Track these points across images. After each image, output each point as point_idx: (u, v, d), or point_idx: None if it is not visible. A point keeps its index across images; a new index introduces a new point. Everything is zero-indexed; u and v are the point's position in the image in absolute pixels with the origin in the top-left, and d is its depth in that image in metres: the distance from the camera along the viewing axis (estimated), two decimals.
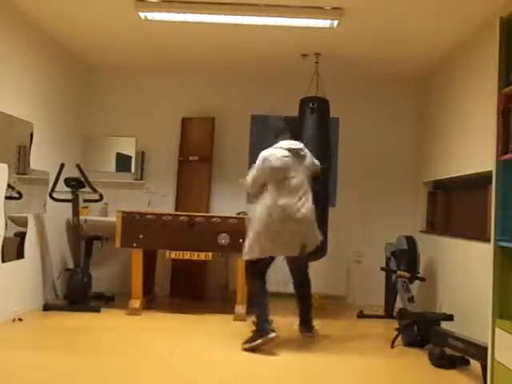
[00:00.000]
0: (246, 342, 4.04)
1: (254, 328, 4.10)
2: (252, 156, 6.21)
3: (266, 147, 4.43)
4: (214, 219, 5.11)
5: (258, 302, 4.20)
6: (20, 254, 4.85)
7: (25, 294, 4.93)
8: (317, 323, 4.81)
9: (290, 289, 6.08)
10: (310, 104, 5.30)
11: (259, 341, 3.98)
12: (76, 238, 5.36)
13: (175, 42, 5.34)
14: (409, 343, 4.23)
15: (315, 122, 5.27)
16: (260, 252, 4.17)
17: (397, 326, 4.52)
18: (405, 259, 5.07)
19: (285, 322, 4.90)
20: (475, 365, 3.56)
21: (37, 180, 5.13)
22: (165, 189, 6.27)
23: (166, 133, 6.31)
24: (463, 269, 4.57)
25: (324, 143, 5.30)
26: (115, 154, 6.39)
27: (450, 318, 4.14)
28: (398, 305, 5.03)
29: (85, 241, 5.45)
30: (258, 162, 4.34)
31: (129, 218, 5.10)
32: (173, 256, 5.08)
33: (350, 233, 6.16)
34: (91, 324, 4.63)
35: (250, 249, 4.22)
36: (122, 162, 6.35)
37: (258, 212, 4.26)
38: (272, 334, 4.00)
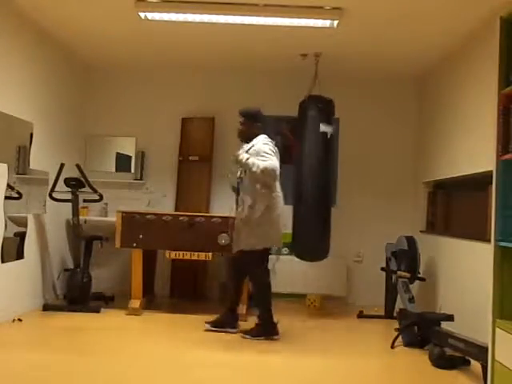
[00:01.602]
0: (248, 333, 4.34)
1: (258, 322, 4.38)
2: None
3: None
4: (214, 219, 5.11)
5: (266, 297, 4.43)
6: (20, 255, 4.84)
7: (24, 295, 4.93)
8: (317, 323, 4.81)
9: (291, 289, 6.11)
10: (318, 104, 5.32)
11: (262, 338, 4.29)
12: (76, 238, 5.36)
13: (175, 42, 5.34)
14: (409, 343, 4.23)
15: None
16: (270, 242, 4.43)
17: (397, 326, 4.52)
18: (405, 259, 5.07)
19: (285, 321, 4.91)
20: (475, 365, 3.55)
21: (37, 180, 5.13)
22: (165, 189, 6.27)
23: (165, 133, 6.31)
24: (463, 269, 4.56)
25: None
26: (115, 154, 6.38)
27: (450, 318, 4.14)
28: (399, 305, 5.03)
29: (85, 241, 5.44)
30: (272, 150, 4.37)
31: (129, 218, 5.10)
32: (173, 256, 5.07)
33: (351, 233, 6.15)
34: (91, 324, 4.63)
35: (261, 239, 4.35)
36: (122, 162, 6.34)
37: (271, 207, 4.39)
38: (276, 336, 4.34)
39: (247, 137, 4.48)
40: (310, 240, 5.20)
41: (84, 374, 3.30)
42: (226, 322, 4.49)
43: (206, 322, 4.51)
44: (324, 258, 5.31)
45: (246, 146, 4.45)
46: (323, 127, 5.26)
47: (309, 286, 5.99)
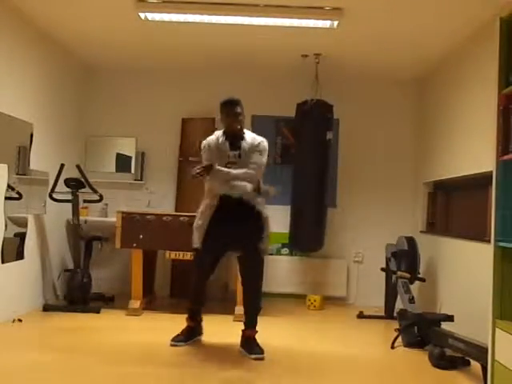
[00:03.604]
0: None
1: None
2: None
3: None
4: None
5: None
6: (20, 255, 4.84)
7: (25, 295, 4.93)
8: (317, 323, 4.79)
9: (291, 289, 6.11)
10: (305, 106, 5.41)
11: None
12: (76, 238, 5.36)
13: (175, 43, 5.34)
14: (409, 344, 4.22)
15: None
16: None
17: (397, 326, 4.52)
18: (405, 260, 5.07)
19: (285, 322, 4.91)
20: (475, 365, 3.55)
21: (37, 180, 5.12)
22: (165, 189, 6.27)
23: (166, 133, 6.30)
24: (463, 269, 4.56)
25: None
26: (115, 155, 6.38)
27: (450, 318, 4.14)
28: (399, 305, 5.03)
29: (85, 241, 5.44)
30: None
31: (129, 219, 5.09)
32: (173, 256, 5.07)
33: (351, 233, 6.15)
34: (91, 325, 4.62)
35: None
36: (122, 163, 6.34)
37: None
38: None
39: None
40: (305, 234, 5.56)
41: (84, 374, 3.30)
42: (195, 331, 4.14)
43: (174, 340, 4.03)
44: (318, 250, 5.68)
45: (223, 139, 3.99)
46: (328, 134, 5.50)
47: (309, 287, 5.99)
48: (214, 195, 3.94)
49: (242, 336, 3.95)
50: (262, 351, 3.80)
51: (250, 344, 3.87)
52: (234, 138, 3.97)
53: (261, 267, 3.96)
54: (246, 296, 4.02)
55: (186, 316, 4.16)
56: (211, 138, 4.05)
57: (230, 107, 3.92)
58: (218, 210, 3.90)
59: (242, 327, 3.98)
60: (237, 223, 3.84)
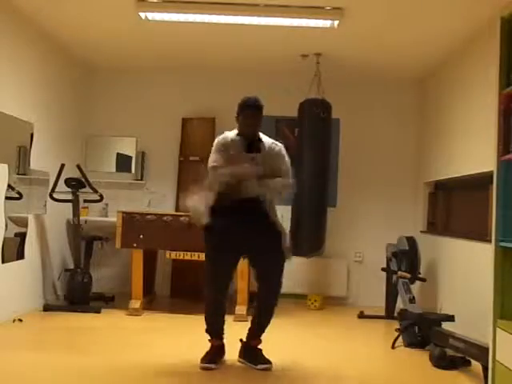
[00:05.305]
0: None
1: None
2: None
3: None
4: None
5: None
6: (20, 255, 4.84)
7: (25, 295, 4.93)
8: (317, 323, 4.77)
9: (291, 289, 6.08)
10: (321, 113, 5.29)
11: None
12: (76, 238, 5.36)
13: (175, 42, 5.34)
14: (410, 344, 4.22)
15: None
16: None
17: (398, 326, 4.51)
18: (405, 260, 5.07)
19: (286, 322, 4.90)
20: (476, 366, 3.55)
21: (37, 180, 5.12)
22: (165, 189, 6.27)
23: (166, 133, 6.30)
24: (464, 269, 4.56)
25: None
26: (115, 154, 6.38)
27: (450, 318, 4.14)
28: (399, 305, 5.03)
29: (85, 241, 5.44)
30: None
31: (129, 219, 5.10)
32: (173, 256, 5.08)
33: (351, 233, 6.15)
34: (91, 324, 4.62)
35: None
36: (123, 162, 6.34)
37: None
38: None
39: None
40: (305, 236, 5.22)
41: (84, 374, 3.30)
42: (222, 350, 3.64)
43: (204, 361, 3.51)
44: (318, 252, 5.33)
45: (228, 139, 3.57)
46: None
47: (309, 287, 5.98)
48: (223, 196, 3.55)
49: (244, 346, 3.67)
50: (268, 361, 3.54)
51: (254, 354, 3.60)
52: (250, 140, 3.58)
53: (281, 279, 3.74)
54: (260, 308, 3.69)
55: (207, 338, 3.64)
56: (225, 138, 3.61)
57: (251, 113, 3.52)
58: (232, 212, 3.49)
59: (241, 338, 3.69)
60: (251, 231, 3.48)
